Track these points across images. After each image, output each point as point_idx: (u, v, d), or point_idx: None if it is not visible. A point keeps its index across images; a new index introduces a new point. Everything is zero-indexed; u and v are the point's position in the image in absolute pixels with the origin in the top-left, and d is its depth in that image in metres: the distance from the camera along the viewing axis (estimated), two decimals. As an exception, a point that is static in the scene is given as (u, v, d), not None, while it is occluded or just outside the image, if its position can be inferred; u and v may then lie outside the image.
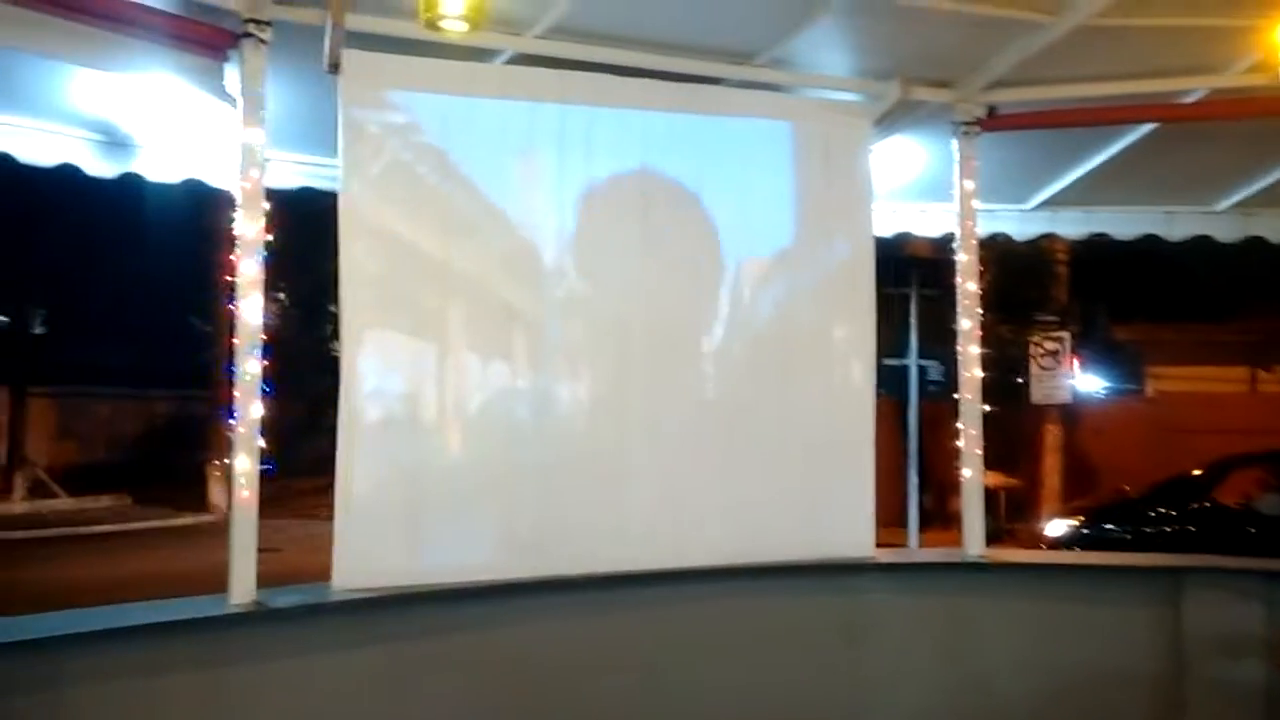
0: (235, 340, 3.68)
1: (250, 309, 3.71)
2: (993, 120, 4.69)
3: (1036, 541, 11.19)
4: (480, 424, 4.18)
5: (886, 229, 5.25)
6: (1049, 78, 4.53)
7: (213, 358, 19.52)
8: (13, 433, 20.36)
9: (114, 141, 4.34)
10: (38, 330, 21.87)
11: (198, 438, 20.44)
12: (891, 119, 4.66)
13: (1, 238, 19.58)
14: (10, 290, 21.60)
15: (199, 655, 3.51)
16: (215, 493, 18.22)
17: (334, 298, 4.04)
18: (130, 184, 4.61)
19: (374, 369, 4.01)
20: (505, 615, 4.02)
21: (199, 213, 13.17)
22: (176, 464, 20.47)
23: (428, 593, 3.91)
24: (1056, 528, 10.67)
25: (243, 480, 3.64)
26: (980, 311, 4.83)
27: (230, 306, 3.71)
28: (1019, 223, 5.78)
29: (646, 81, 4.33)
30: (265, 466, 3.63)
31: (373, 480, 3.96)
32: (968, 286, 4.77)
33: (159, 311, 21.67)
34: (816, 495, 4.51)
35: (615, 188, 4.37)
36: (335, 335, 4.22)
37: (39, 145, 4.15)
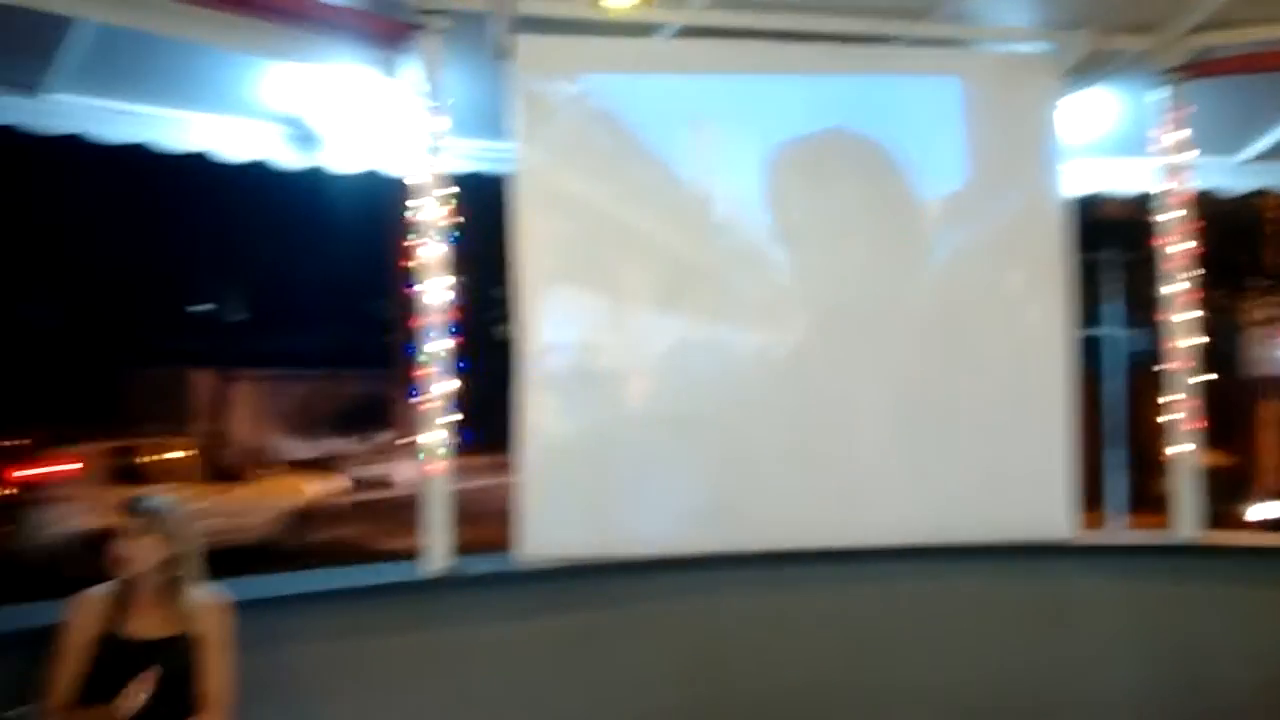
0: (419, 321, 3.82)
1: (436, 290, 3.83)
2: (1200, 66, 4.30)
3: (1245, 526, 10.34)
4: (661, 394, 4.19)
5: (1078, 189, 4.90)
6: (1267, 16, 4.11)
7: (395, 340, 20.68)
8: (218, 413, 22.11)
9: (300, 135, 4.56)
10: (238, 317, 23.67)
11: (384, 415, 21.64)
12: (1082, 70, 4.35)
13: (203, 232, 21.23)
14: (213, 280, 23.45)
15: (399, 618, 3.71)
16: (399, 469, 19.24)
17: (499, 280, 4.11)
18: (315, 176, 4.83)
19: (550, 339, 4.05)
20: (689, 588, 4.05)
21: (378, 201, 13.79)
22: (370, 441, 21.77)
23: (612, 564, 3.98)
24: (1268, 510, 9.83)
25: (436, 453, 3.77)
26: (1189, 275, 4.46)
27: (408, 290, 3.86)
28: (1228, 177, 5.27)
29: (817, 45, 4.21)
30: (458, 439, 3.78)
31: (552, 452, 4.03)
32: (1174, 248, 4.40)
33: (345, 296, 22.99)
34: (1009, 473, 4.28)
35: (790, 154, 4.27)
36: (502, 319, 4.30)
37: (233, 142, 4.40)
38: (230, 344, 22.66)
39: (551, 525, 3.98)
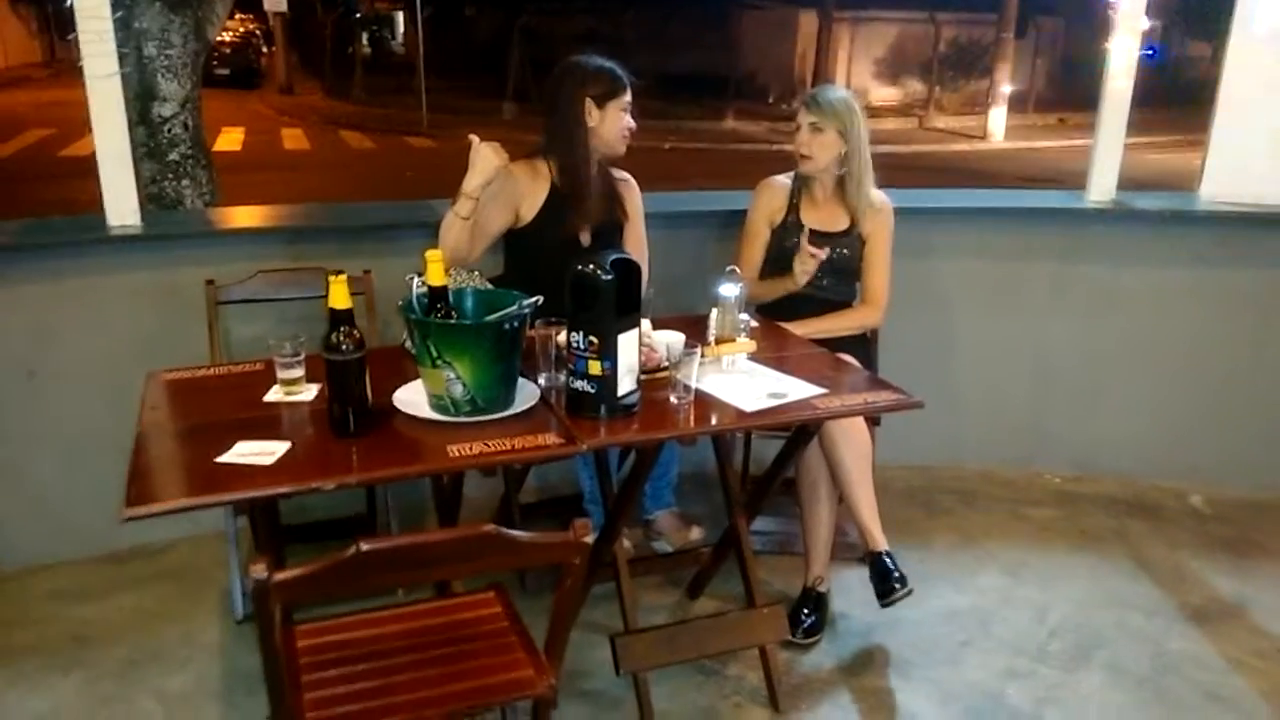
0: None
1: None
2: None
3: None
4: None
5: None
6: None
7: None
8: (818, 55, 22.50)
9: None
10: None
11: (980, 63, 20.38)
12: None
13: None
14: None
15: (1056, 244, 3.56)
16: (993, 119, 18.27)
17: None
18: None
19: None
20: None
21: None
22: (961, 91, 20.86)
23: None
24: None
25: (1117, 72, 3.35)
26: None
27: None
28: None
29: None
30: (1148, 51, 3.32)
31: (1259, 89, 3.40)
32: None
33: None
34: None
35: None
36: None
37: None
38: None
39: (1242, 169, 3.46)
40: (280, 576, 1.32)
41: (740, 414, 2.03)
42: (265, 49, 25.61)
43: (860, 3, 22.69)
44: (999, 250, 3.55)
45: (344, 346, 1.83)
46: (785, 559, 3.02)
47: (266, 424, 1.94)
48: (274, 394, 2.08)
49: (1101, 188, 3.51)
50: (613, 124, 2.72)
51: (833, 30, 22.24)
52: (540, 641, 1.70)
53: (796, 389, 2.17)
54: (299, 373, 2.09)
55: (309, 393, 2.07)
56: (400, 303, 1.99)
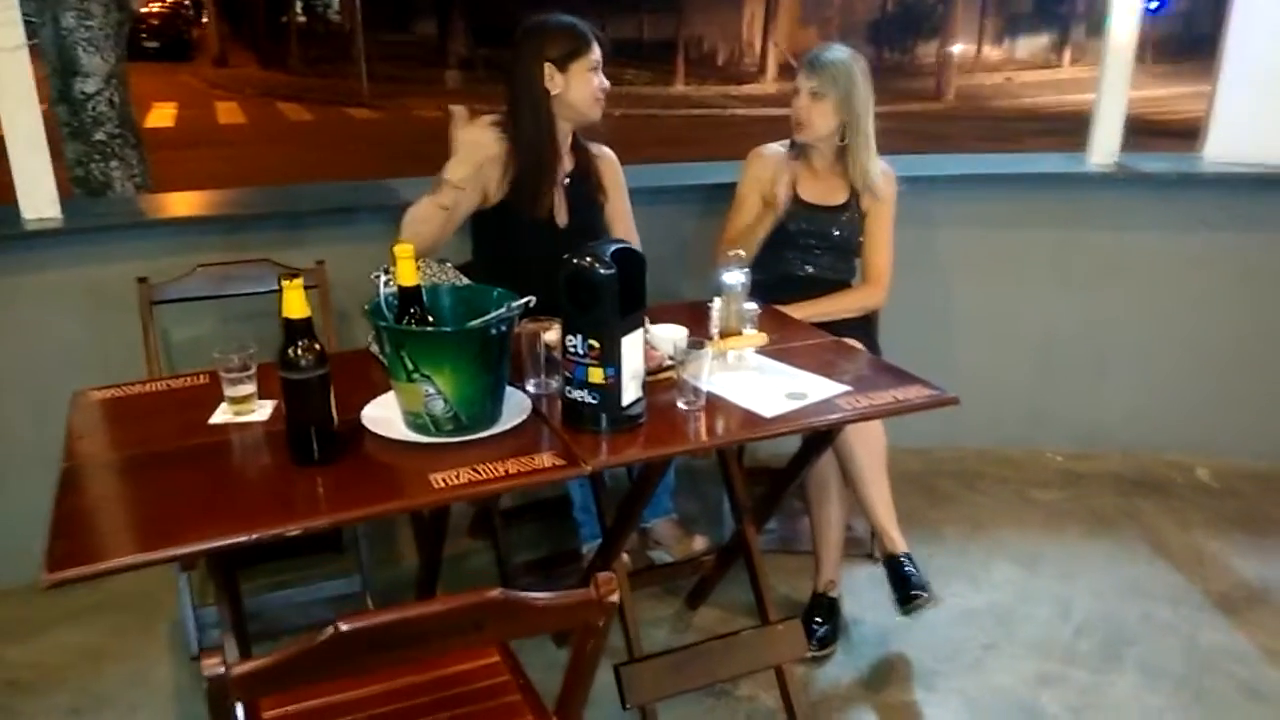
0: None
1: None
2: None
3: None
4: None
5: None
6: None
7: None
8: (766, 18, 22.20)
9: None
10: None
11: (930, 24, 20.23)
12: None
13: None
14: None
15: (1058, 210, 3.37)
16: (943, 78, 18.18)
17: None
18: None
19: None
20: None
21: None
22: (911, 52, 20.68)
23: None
24: None
25: (1120, 29, 3.15)
26: None
27: None
28: None
29: None
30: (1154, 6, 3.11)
31: (1266, 44, 3.22)
32: None
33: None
34: None
35: None
36: None
37: None
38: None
39: (1250, 127, 3.29)
40: (241, 670, 1.06)
41: (759, 420, 1.80)
42: (197, 19, 24.60)
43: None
44: (997, 218, 3.35)
45: (303, 362, 1.56)
46: (789, 558, 2.81)
47: (214, 451, 1.67)
48: (221, 414, 1.80)
49: (1104, 149, 3.32)
50: (581, 87, 2.41)
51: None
52: (549, 698, 1.47)
53: (816, 387, 1.94)
54: (250, 389, 1.81)
55: (262, 411, 1.80)
56: (367, 306, 1.71)
